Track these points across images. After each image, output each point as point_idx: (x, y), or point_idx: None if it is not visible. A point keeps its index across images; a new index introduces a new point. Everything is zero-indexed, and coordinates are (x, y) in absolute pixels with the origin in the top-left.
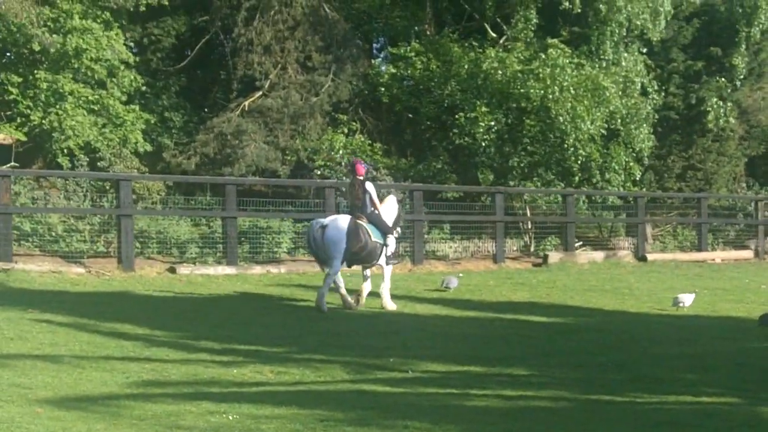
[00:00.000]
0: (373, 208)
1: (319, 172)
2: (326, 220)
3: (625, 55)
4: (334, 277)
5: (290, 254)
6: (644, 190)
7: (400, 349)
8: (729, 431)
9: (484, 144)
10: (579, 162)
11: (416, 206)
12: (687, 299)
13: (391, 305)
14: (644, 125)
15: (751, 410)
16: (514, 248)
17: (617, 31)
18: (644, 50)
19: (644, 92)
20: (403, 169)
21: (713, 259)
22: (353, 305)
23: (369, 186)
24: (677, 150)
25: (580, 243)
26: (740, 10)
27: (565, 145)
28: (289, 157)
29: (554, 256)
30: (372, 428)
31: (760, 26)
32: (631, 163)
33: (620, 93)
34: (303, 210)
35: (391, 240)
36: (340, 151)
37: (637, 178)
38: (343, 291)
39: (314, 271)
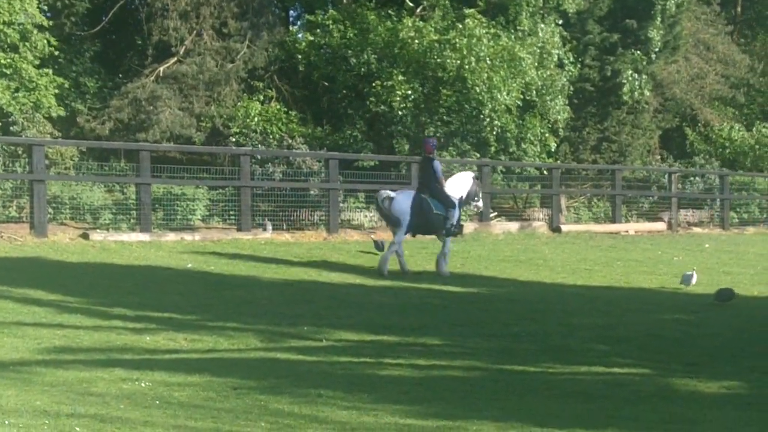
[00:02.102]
0: (437, 184)
1: (234, 140)
2: (393, 193)
3: (542, 26)
4: (398, 245)
5: (205, 222)
6: (559, 161)
7: (314, 317)
8: (640, 401)
9: (400, 113)
10: (495, 133)
11: (332, 175)
12: (694, 278)
13: (445, 272)
14: (560, 97)
15: (662, 381)
16: None
17: (534, 2)
18: (560, 22)
19: (560, 64)
20: (319, 138)
21: (627, 231)
22: (410, 272)
23: (435, 164)
24: (592, 122)
25: (495, 214)
26: None
27: (481, 116)
28: (204, 124)
29: (469, 227)
30: (285, 396)
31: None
32: (547, 135)
33: (536, 64)
34: (218, 177)
35: (454, 213)
36: (256, 119)
37: (553, 150)
38: (402, 259)
39: (228, 238)
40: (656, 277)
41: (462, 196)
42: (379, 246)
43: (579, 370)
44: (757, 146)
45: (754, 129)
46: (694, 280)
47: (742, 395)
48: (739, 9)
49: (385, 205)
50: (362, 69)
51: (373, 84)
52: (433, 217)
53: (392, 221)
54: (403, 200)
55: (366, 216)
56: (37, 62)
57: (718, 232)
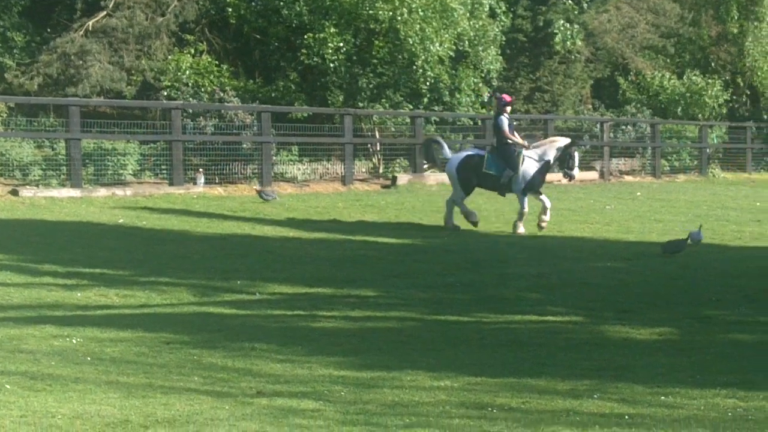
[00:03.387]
0: (502, 140)
1: (165, 93)
2: (449, 155)
3: None
4: (457, 201)
5: (136, 177)
6: (492, 112)
7: (248, 271)
8: (573, 349)
9: (333, 65)
10: (428, 84)
11: (264, 128)
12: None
13: (520, 230)
14: (492, 47)
15: (595, 328)
16: (363, 170)
17: None
18: None
19: (492, 14)
20: (251, 91)
21: (559, 180)
22: (452, 226)
23: (499, 120)
24: (525, 72)
25: (429, 165)
26: None
27: (414, 67)
28: (134, 78)
29: (403, 178)
30: (218, 351)
31: None
32: (480, 85)
33: (468, 15)
34: (149, 132)
35: (512, 173)
36: (187, 72)
37: (486, 100)
38: (465, 210)
39: (160, 193)
40: (589, 225)
41: (549, 160)
42: (264, 196)
43: (513, 319)
44: (688, 94)
45: (684, 77)
46: (701, 236)
47: (674, 341)
48: None
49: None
50: (294, 21)
51: (305, 36)
52: (482, 176)
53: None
54: (452, 162)
55: (299, 169)
56: None
57: (649, 180)
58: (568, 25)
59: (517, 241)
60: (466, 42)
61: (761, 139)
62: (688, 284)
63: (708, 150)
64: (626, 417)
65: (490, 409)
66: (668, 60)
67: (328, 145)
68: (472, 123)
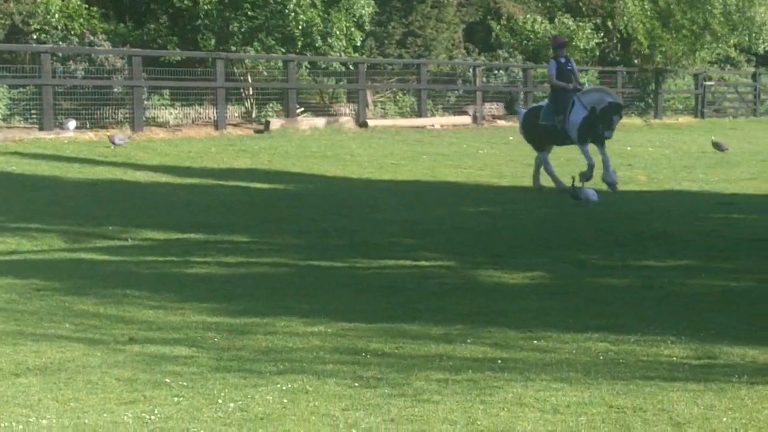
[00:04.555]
0: (551, 87)
1: (35, 37)
2: (520, 110)
3: None
4: (541, 159)
5: (5, 121)
6: (365, 56)
7: (120, 217)
8: (445, 294)
9: (204, 8)
10: (300, 28)
11: (135, 72)
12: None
13: (609, 179)
14: None
15: (466, 273)
16: (236, 115)
17: None
18: None
19: None
20: (122, 35)
21: (433, 125)
22: (538, 187)
23: (549, 65)
24: (397, 16)
25: (302, 109)
26: None
27: (286, 11)
28: (2, 21)
29: (276, 123)
30: (90, 297)
31: None
32: (352, 30)
33: None
34: (18, 76)
35: (563, 119)
36: (56, 15)
37: (358, 45)
38: (548, 172)
39: (30, 138)
40: (462, 170)
41: (595, 108)
42: (115, 141)
43: (386, 264)
44: None
45: (556, 20)
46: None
47: (546, 285)
48: None
49: None
50: None
51: None
52: (540, 129)
53: None
54: (521, 117)
55: (171, 114)
56: None
57: None
58: None
59: (390, 187)
60: None
61: (632, 84)
62: (561, 228)
63: None
64: (499, 361)
65: (363, 354)
66: (539, 4)
67: (201, 89)
68: (344, 68)
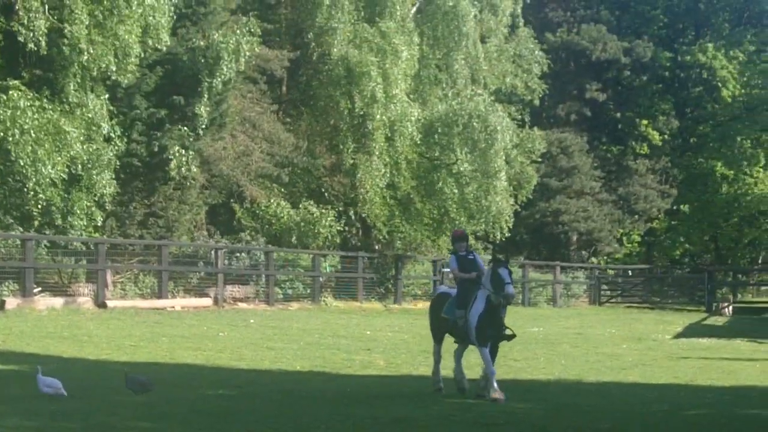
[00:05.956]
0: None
1: None
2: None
3: (92, 97)
4: (435, 353)
5: None
6: (105, 236)
7: None
8: None
9: None
10: (39, 206)
11: None
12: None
13: (495, 395)
14: (106, 171)
15: None
16: None
17: (80, 74)
18: (107, 96)
19: (108, 138)
20: None
21: (173, 307)
22: (437, 388)
23: (450, 259)
24: (139, 197)
25: (39, 289)
26: (203, 61)
27: (26, 189)
28: None
29: (12, 302)
30: None
31: (222, 77)
32: (93, 209)
33: (83, 138)
34: None
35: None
36: None
37: (99, 224)
38: (435, 364)
39: None
40: (202, 352)
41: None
42: None
43: None
44: (302, 223)
45: (300, 206)
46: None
47: None
48: (284, 89)
49: None
50: None
51: None
52: (441, 321)
53: None
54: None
55: None
56: None
57: (263, 307)
58: (183, 151)
59: (131, 369)
60: (80, 165)
61: (372, 269)
62: (296, 412)
63: (321, 278)
64: None
65: None
66: (283, 189)
67: None
68: (84, 247)
